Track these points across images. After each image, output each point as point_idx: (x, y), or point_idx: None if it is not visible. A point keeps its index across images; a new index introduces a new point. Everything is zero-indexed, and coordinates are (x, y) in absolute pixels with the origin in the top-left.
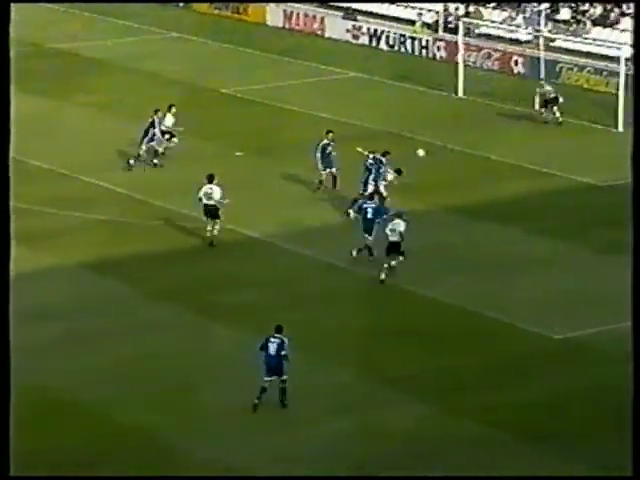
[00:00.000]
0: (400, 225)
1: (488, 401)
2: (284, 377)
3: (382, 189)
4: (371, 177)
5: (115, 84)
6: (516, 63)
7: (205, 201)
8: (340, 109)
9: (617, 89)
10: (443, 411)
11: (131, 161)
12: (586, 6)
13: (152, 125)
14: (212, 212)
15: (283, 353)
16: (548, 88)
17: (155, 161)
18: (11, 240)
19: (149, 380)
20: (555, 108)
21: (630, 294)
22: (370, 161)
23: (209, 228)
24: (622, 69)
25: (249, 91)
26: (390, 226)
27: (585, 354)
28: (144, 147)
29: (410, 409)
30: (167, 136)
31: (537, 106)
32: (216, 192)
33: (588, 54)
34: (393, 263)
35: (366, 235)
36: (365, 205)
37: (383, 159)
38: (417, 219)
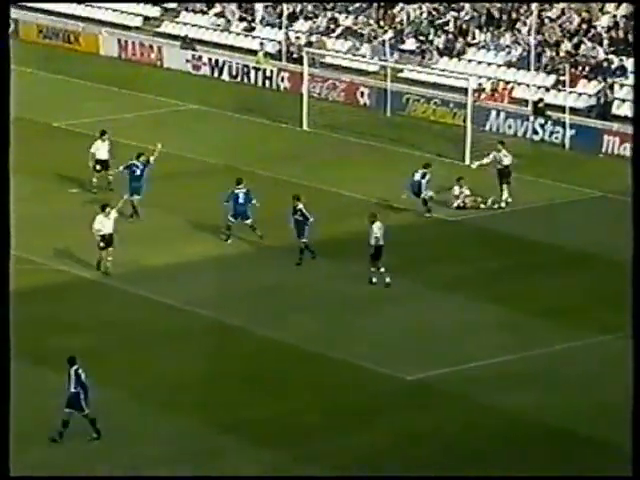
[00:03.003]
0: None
1: (334, 446)
2: (86, 411)
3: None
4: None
5: None
6: (362, 94)
7: (105, 231)
8: (179, 143)
9: (464, 121)
10: (288, 457)
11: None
12: (431, 36)
13: None
14: (108, 241)
15: (85, 383)
16: (504, 153)
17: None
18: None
19: None
20: (505, 186)
21: (634, 300)
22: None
23: (105, 257)
24: (470, 100)
25: (82, 124)
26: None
27: (435, 396)
28: None
29: (253, 455)
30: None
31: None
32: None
33: (435, 85)
34: (383, 270)
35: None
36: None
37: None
38: (257, 258)
